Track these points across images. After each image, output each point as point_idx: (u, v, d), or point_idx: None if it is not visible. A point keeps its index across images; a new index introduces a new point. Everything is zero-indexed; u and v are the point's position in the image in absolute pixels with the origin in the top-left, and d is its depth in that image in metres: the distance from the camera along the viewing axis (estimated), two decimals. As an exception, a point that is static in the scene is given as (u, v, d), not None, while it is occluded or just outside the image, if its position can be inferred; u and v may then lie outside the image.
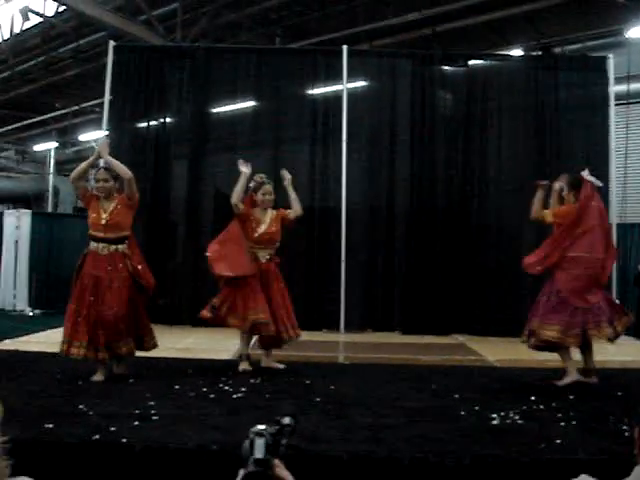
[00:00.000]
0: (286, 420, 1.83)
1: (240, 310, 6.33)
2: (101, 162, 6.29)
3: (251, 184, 6.59)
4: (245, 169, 6.46)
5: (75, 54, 17.42)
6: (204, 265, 7.06)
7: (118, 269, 5.72)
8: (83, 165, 5.94)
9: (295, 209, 6.67)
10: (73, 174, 5.92)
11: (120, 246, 5.78)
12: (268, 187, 6.62)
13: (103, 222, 5.74)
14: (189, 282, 10.07)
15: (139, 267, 5.84)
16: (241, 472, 1.74)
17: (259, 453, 1.71)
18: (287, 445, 1.80)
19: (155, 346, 6.10)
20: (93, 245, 5.77)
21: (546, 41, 14.22)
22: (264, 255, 6.50)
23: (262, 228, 6.50)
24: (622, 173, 12.71)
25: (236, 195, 6.42)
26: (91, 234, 5.79)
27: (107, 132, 6.41)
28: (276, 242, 6.60)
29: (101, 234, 5.75)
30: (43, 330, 9.43)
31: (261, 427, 1.76)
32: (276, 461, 1.75)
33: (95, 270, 5.69)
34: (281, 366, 6.57)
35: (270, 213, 6.57)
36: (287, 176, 6.76)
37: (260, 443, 1.71)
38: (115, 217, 5.78)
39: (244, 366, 6.41)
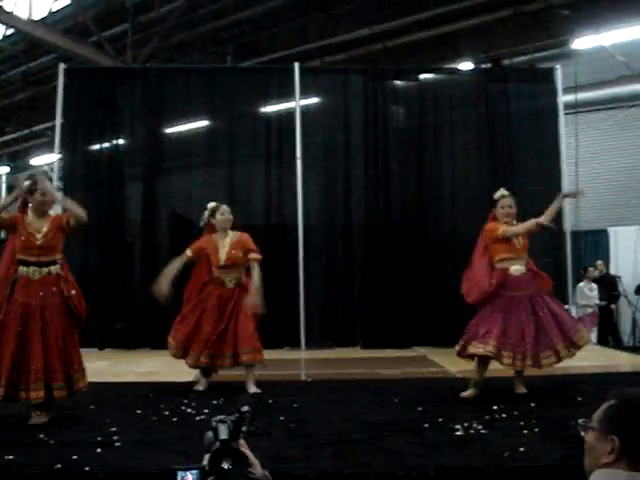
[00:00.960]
0: (245, 408, 1.96)
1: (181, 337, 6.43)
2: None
3: (205, 212, 6.61)
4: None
5: (25, 77, 17.28)
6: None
7: (52, 293, 5.14)
8: (5, 202, 5.43)
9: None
10: None
11: (53, 267, 5.18)
12: (225, 207, 6.60)
13: (38, 243, 5.12)
14: (147, 304, 9.96)
15: (73, 292, 5.28)
16: (206, 456, 1.84)
17: (223, 435, 1.86)
18: (247, 431, 1.95)
19: (85, 387, 5.33)
20: (22, 270, 5.12)
21: (494, 54, 14.45)
22: (230, 280, 6.44)
23: (223, 254, 6.43)
24: (573, 181, 12.91)
25: None
26: (20, 258, 5.14)
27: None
28: (240, 265, 6.49)
29: (34, 258, 5.12)
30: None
31: (222, 416, 1.93)
32: (241, 441, 1.91)
33: (25, 297, 5.08)
34: (252, 391, 6.28)
35: (230, 236, 6.50)
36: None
37: (223, 428, 1.87)
38: (50, 240, 5.19)
39: (199, 387, 6.44)
